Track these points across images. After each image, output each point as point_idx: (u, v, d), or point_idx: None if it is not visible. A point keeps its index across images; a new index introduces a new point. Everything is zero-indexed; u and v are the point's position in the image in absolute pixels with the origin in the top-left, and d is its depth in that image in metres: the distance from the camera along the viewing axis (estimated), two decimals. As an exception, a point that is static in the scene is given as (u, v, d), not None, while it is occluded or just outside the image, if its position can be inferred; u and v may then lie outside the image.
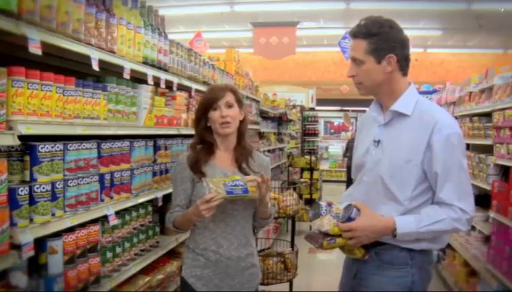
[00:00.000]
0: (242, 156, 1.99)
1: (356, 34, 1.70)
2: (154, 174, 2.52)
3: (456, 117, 4.80)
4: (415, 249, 1.69)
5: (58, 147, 1.68)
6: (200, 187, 1.89)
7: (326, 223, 1.68)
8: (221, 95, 1.92)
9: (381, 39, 1.66)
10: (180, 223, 1.93)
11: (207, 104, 1.95)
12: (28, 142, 1.58)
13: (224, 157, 2.00)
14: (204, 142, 1.99)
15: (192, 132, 3.03)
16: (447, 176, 1.62)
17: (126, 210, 2.25)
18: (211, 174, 1.92)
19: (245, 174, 1.94)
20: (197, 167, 1.93)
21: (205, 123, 1.98)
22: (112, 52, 1.97)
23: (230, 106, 1.93)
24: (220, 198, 1.71)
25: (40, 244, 1.66)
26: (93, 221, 1.94)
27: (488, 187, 3.57)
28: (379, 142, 1.75)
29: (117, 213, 2.11)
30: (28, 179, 1.60)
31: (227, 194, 1.72)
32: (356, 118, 16.59)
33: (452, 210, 1.62)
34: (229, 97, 1.94)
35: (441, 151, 1.61)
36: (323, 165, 13.26)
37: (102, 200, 2.00)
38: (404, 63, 1.72)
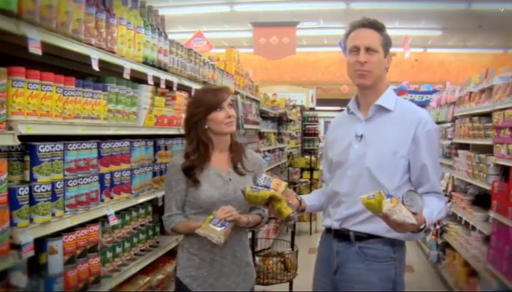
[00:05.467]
0: (237, 155, 2.04)
1: (371, 24, 1.79)
2: (154, 174, 2.51)
3: (456, 117, 4.80)
4: (395, 243, 1.77)
5: (58, 147, 1.68)
6: (195, 190, 1.94)
7: (405, 210, 1.49)
8: (226, 97, 1.99)
9: (388, 37, 1.81)
10: (181, 231, 2.01)
11: (210, 106, 1.97)
12: (28, 142, 1.58)
13: (220, 158, 2.03)
14: (199, 146, 1.99)
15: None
16: (433, 167, 1.78)
17: (126, 210, 2.25)
18: (205, 175, 1.96)
19: (240, 174, 2.01)
20: (191, 175, 1.95)
21: (203, 125, 1.99)
22: (112, 52, 1.96)
23: (231, 105, 2.01)
24: (218, 241, 1.75)
25: (40, 244, 1.66)
26: (93, 221, 1.94)
27: (488, 187, 3.57)
28: (361, 136, 1.83)
29: (117, 213, 2.11)
30: (28, 179, 1.59)
31: (222, 232, 1.75)
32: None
33: (441, 197, 1.78)
34: (229, 98, 2.01)
35: (427, 145, 1.76)
36: (323, 165, 13.22)
37: (102, 200, 2.00)
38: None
